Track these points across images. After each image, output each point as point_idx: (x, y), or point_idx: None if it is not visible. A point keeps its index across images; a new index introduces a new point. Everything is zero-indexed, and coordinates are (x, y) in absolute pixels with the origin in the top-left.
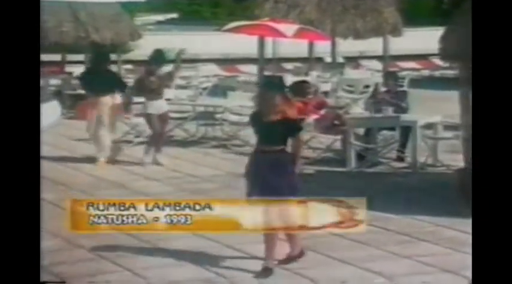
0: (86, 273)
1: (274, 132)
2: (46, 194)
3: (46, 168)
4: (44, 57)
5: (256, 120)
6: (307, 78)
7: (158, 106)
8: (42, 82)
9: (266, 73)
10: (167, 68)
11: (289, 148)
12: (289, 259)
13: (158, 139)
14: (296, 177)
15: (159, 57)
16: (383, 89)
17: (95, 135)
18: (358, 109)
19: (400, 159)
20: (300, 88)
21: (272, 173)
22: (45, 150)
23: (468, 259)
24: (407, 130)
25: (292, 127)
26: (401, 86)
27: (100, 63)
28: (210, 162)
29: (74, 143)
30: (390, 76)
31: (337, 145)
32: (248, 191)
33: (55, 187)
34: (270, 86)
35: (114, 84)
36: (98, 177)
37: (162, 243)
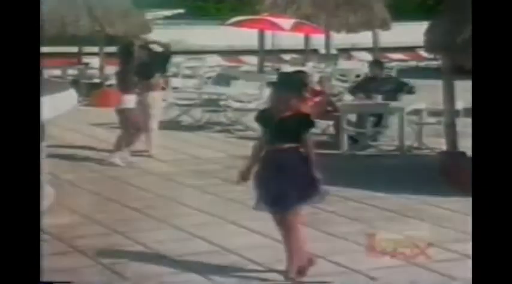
0: (102, 246)
1: (287, 128)
2: (66, 174)
3: (65, 150)
4: (63, 49)
5: (270, 117)
6: (304, 68)
7: (130, 101)
8: (60, 72)
9: (283, 70)
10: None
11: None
12: (301, 271)
13: (130, 136)
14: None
15: (127, 51)
16: (369, 75)
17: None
18: (350, 97)
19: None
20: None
21: (289, 173)
22: (63, 133)
23: (450, 234)
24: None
25: (305, 123)
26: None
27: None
28: (214, 145)
29: (89, 127)
30: (375, 65)
31: (331, 129)
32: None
33: (73, 167)
34: (288, 84)
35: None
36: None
37: (172, 219)
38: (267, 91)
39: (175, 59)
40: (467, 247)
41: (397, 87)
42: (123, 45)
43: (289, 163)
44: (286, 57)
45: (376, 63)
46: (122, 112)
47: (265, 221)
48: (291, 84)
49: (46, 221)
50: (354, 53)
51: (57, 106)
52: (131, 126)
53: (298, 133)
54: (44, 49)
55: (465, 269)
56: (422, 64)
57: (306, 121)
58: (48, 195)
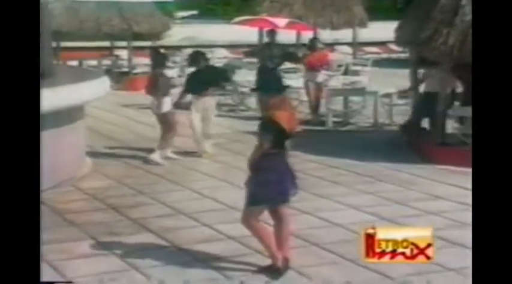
0: (130, 205)
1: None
2: (101, 146)
3: (99, 127)
4: (98, 44)
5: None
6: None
7: (168, 104)
8: (96, 62)
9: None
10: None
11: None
12: (285, 262)
13: (172, 136)
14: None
15: (163, 59)
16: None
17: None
18: (334, 83)
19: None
20: (313, 43)
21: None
22: (98, 113)
23: (414, 194)
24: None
25: (271, 130)
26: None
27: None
28: (222, 123)
29: (119, 108)
30: (270, 34)
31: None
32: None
33: (107, 140)
34: (269, 86)
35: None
36: (138, 134)
37: (188, 183)
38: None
39: (190, 51)
40: (427, 204)
41: (285, 56)
42: (161, 56)
43: (270, 163)
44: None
45: (271, 33)
46: (163, 116)
47: None
48: (271, 87)
49: (85, 185)
50: (337, 47)
51: (94, 91)
52: (171, 128)
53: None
54: (83, 44)
55: (424, 223)
56: (393, 56)
57: (278, 129)
58: (86, 163)
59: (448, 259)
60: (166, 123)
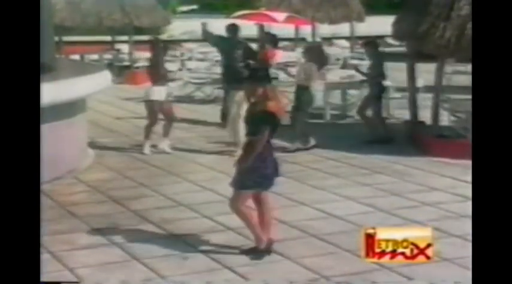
0: (132, 196)
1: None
2: (103, 139)
3: (102, 120)
4: (100, 38)
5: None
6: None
7: (160, 92)
8: (97, 57)
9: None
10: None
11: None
12: (269, 243)
13: (152, 127)
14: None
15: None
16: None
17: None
18: (331, 76)
19: None
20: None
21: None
22: (100, 106)
23: (411, 186)
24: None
25: (268, 120)
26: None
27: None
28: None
29: (121, 101)
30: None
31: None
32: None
33: (108, 133)
34: (256, 78)
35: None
36: (137, 126)
37: (187, 175)
38: None
39: (190, 45)
40: (423, 195)
41: (245, 52)
42: (154, 37)
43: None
44: (280, 44)
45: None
46: (147, 104)
47: None
48: (258, 77)
49: (87, 177)
50: (335, 41)
51: (95, 84)
52: (153, 118)
53: (260, 127)
54: (84, 38)
55: (420, 214)
56: (390, 49)
57: (274, 120)
58: (89, 155)
59: (444, 250)
60: (150, 111)
